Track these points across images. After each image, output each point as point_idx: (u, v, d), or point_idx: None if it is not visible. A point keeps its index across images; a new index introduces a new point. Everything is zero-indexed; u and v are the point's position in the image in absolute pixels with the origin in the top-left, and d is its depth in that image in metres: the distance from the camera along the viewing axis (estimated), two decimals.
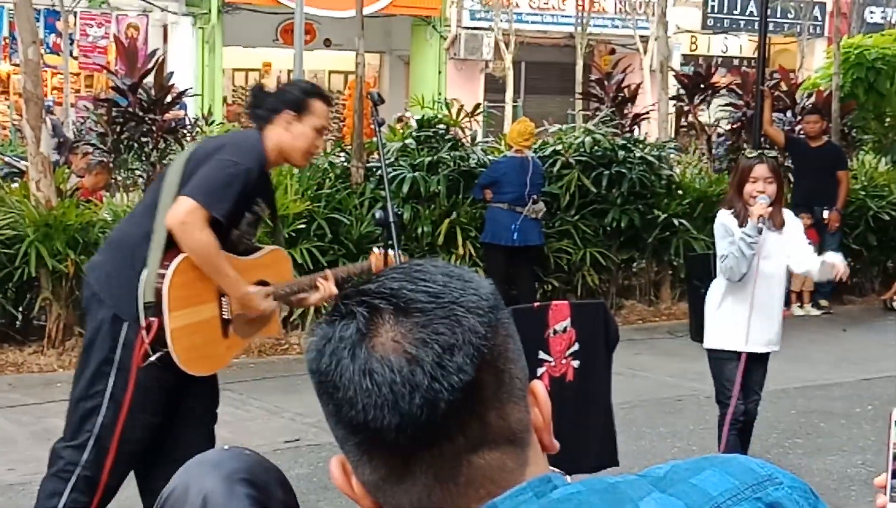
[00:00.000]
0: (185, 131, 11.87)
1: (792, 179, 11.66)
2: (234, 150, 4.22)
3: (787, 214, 5.60)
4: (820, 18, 26.11)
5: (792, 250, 5.50)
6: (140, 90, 10.47)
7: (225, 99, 21.34)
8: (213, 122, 13.78)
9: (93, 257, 4.62)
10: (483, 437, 1.03)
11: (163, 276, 4.05)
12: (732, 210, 5.43)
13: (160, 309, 4.03)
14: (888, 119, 15.33)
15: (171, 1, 20.19)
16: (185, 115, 13.27)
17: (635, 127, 13.16)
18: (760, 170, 5.43)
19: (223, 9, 20.42)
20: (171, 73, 11.51)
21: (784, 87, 13.56)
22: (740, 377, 5.51)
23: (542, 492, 1.03)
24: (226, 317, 4.29)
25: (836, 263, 5.46)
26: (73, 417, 4.16)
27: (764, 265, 5.42)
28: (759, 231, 5.29)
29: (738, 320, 5.49)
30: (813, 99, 13.50)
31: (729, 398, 5.55)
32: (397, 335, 1.01)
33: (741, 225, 5.35)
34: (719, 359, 5.59)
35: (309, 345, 1.06)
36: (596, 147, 10.54)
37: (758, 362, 5.59)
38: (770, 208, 5.33)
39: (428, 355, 1.00)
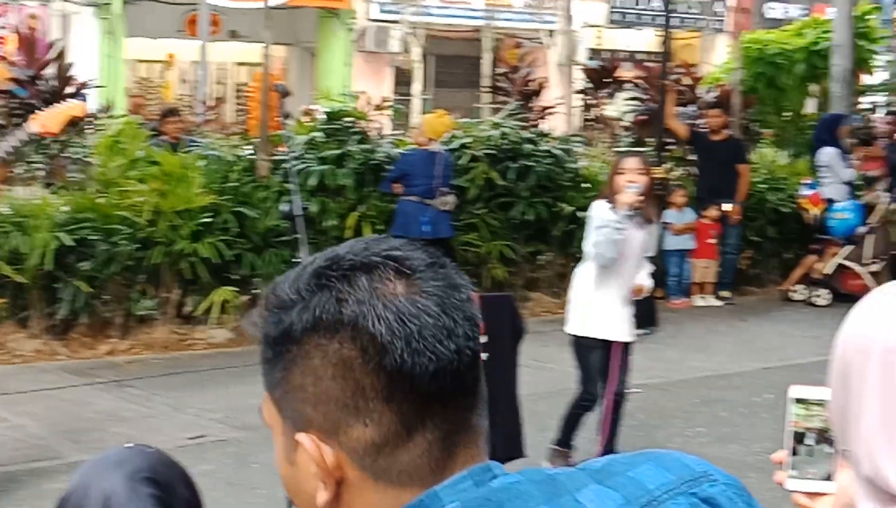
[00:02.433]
0: (87, 123, 11.64)
1: (696, 172, 11.87)
2: None
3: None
4: (722, 14, 26.55)
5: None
6: (40, 81, 10.24)
7: (128, 90, 20.96)
8: (115, 114, 13.52)
9: None
10: (478, 402, 1.07)
11: None
12: (607, 201, 5.72)
13: None
14: (787, 113, 15.68)
15: None
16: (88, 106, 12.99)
17: (542, 120, 13.27)
18: (630, 162, 5.72)
19: None
20: (72, 64, 11.27)
21: (687, 81, 13.78)
22: (617, 364, 5.73)
23: (481, 481, 1.04)
24: None
25: (640, 283, 5.85)
26: None
27: (625, 258, 5.68)
28: (625, 219, 5.56)
29: (606, 308, 5.71)
30: (715, 93, 13.73)
31: (595, 383, 5.79)
32: (427, 286, 1.04)
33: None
34: (586, 346, 5.80)
35: (321, 298, 1.03)
36: (503, 140, 10.59)
37: (621, 347, 5.81)
38: (640, 199, 5.59)
39: (455, 306, 1.04)
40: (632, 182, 5.62)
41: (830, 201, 11.59)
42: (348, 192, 9.72)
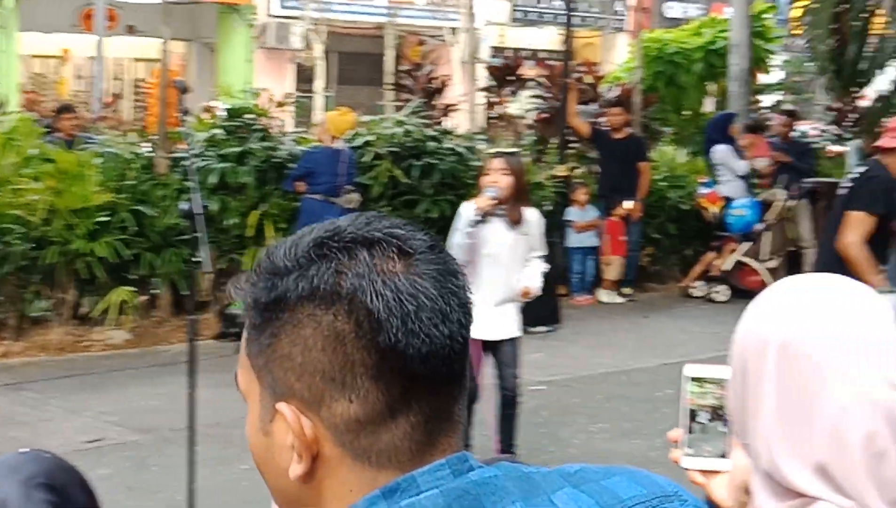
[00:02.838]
0: None
1: (598, 170, 11.99)
2: None
3: (532, 216, 5.92)
4: (622, 13, 26.89)
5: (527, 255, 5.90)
6: None
7: (22, 86, 20.48)
8: (7, 110, 13.18)
9: None
10: (462, 392, 1.06)
11: None
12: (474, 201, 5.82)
13: None
14: (687, 112, 15.94)
15: None
16: None
17: (445, 118, 13.27)
18: (495, 163, 5.81)
19: None
20: None
21: (588, 80, 13.91)
22: (478, 363, 5.77)
23: (459, 471, 1.03)
24: None
25: (527, 285, 5.86)
26: None
27: (487, 260, 5.73)
28: (474, 224, 5.66)
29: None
30: (616, 92, 13.88)
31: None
32: (426, 267, 1.03)
33: (483, 217, 5.73)
34: None
35: (320, 268, 1.02)
36: (407, 138, 10.57)
37: (496, 346, 5.85)
38: (493, 202, 5.68)
39: (452, 291, 1.04)
40: (494, 183, 5.69)
41: (728, 199, 11.79)
42: (250, 190, 9.60)
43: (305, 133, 11.16)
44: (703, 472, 1.72)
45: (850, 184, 5.89)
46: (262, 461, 1.08)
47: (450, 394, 1.05)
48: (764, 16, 16.27)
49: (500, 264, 5.78)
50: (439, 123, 12.38)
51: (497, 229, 5.75)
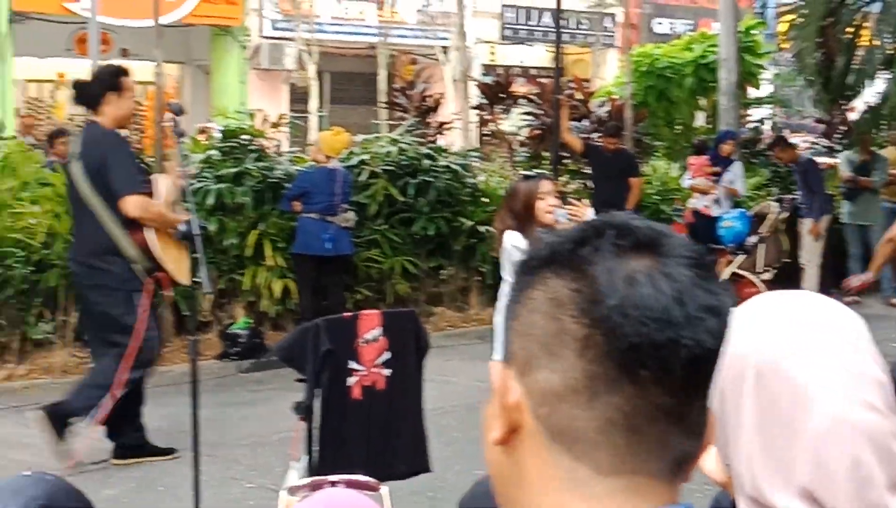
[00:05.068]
0: None
1: (590, 184, 12.07)
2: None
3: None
4: (611, 29, 27.02)
5: None
6: None
7: (17, 111, 20.54)
8: (4, 136, 13.24)
9: None
10: (678, 410, 0.99)
11: None
12: (521, 233, 5.39)
13: None
14: (678, 126, 16.04)
15: None
16: None
17: (440, 136, 13.36)
18: (547, 185, 5.54)
19: (13, 18, 19.65)
20: None
21: (579, 96, 14.01)
22: None
23: None
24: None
25: None
26: None
27: None
28: None
29: None
30: (607, 107, 13.98)
31: None
32: (673, 271, 0.98)
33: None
34: None
35: (567, 237, 1.01)
36: (402, 156, 10.65)
37: None
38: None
39: (695, 305, 0.98)
40: (555, 204, 5.48)
41: (704, 216, 11.93)
42: (247, 210, 9.67)
43: (301, 153, 11.23)
44: None
45: None
46: (485, 424, 1.06)
47: (661, 404, 0.97)
48: (752, 31, 16.41)
49: None
50: (433, 142, 12.48)
51: None
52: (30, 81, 22.56)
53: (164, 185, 6.38)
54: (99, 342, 6.41)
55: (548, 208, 5.46)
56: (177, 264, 6.24)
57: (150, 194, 6.22)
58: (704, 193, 12.23)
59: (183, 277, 6.34)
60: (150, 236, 6.13)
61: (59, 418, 6.10)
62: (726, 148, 12.25)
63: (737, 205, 12.17)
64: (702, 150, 12.76)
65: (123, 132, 6.64)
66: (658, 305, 0.96)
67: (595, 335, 0.96)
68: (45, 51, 21.11)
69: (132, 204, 5.98)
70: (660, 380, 0.97)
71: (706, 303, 0.98)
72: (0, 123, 14.35)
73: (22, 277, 8.37)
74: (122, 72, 6.40)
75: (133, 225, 6.07)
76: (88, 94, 6.26)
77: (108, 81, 6.20)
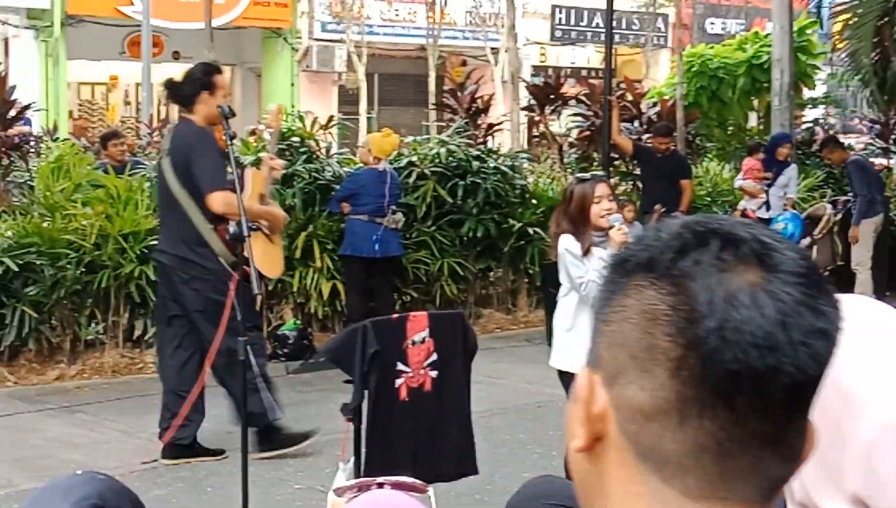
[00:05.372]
0: (30, 147, 11.54)
1: (640, 186, 11.99)
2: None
3: (631, 236, 5.38)
4: (663, 30, 26.87)
5: None
6: None
7: (71, 113, 20.80)
8: (58, 138, 13.42)
9: None
10: (778, 440, 0.94)
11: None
12: (575, 236, 5.27)
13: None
14: (730, 127, 15.89)
15: (12, 13, 19.59)
16: (30, 130, 12.89)
17: (489, 137, 13.33)
18: (602, 189, 5.31)
19: (67, 21, 19.90)
20: (14, 87, 11.17)
21: (630, 97, 13.91)
22: None
23: None
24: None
25: None
26: None
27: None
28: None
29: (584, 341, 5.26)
30: (658, 108, 13.87)
31: None
32: (780, 289, 0.91)
33: (586, 251, 5.23)
34: (566, 382, 5.35)
35: (667, 244, 0.94)
36: (451, 158, 10.63)
37: None
38: (627, 234, 5.22)
39: (803, 330, 0.91)
40: (609, 211, 5.25)
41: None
42: (296, 212, 9.69)
43: (350, 155, 11.24)
44: None
45: None
46: (567, 430, 1.01)
47: (757, 430, 0.92)
48: (807, 31, 16.22)
49: None
50: (483, 143, 12.44)
51: (603, 256, 5.23)
52: (83, 83, 22.83)
53: (250, 178, 6.49)
54: (170, 336, 6.48)
55: (602, 211, 5.27)
56: (263, 256, 6.34)
57: (237, 189, 6.32)
58: (753, 196, 12.11)
59: (270, 270, 6.47)
60: None
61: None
62: (782, 151, 12.12)
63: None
64: (756, 151, 12.65)
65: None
66: (760, 329, 0.89)
67: (690, 357, 0.91)
68: (98, 54, 21.37)
69: (217, 200, 6.08)
70: (757, 407, 0.91)
71: (812, 326, 0.91)
72: (53, 124, 14.52)
73: (74, 278, 8.45)
74: (215, 70, 6.57)
75: (220, 220, 6.18)
76: (182, 93, 6.39)
77: (202, 80, 6.30)
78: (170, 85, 6.56)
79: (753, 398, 0.90)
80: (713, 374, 0.90)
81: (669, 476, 0.93)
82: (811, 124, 16.99)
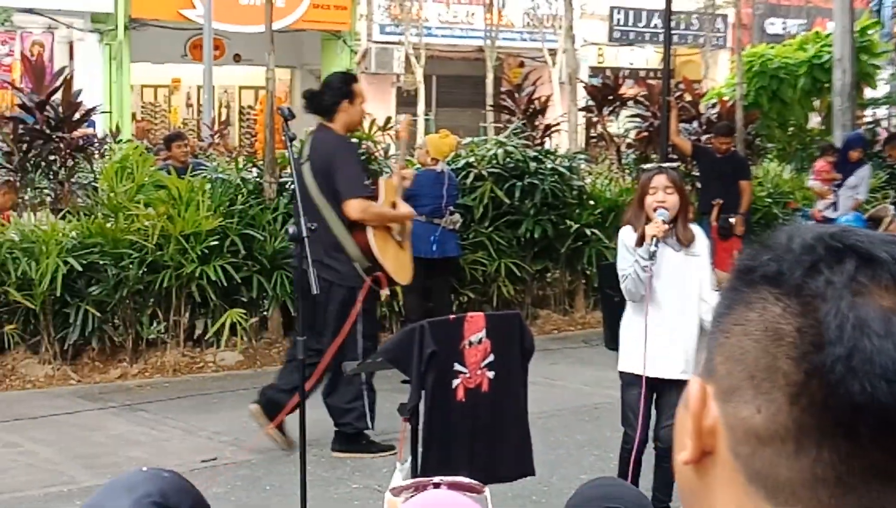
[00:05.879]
0: (94, 149, 11.72)
1: (699, 186, 11.91)
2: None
3: (699, 233, 5.39)
4: (722, 30, 26.64)
5: (700, 283, 5.27)
6: (47, 107, 10.30)
7: (134, 115, 21.07)
8: (121, 139, 13.61)
9: None
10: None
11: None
12: (632, 226, 5.26)
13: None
14: (791, 127, 15.73)
15: (77, 18, 19.90)
16: (94, 132, 13.09)
17: (546, 138, 13.31)
18: (659, 180, 5.25)
19: (130, 25, 20.17)
20: (80, 90, 11.35)
21: (689, 97, 13.83)
22: (643, 403, 5.22)
23: None
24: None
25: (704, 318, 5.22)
26: None
27: (659, 286, 5.21)
28: (652, 255, 5.10)
29: (636, 342, 5.25)
30: (717, 109, 13.76)
31: (632, 424, 5.28)
32: None
33: (639, 242, 5.19)
34: (624, 383, 5.38)
35: (798, 258, 0.88)
36: (508, 159, 10.64)
37: (668, 386, 5.22)
38: (666, 228, 5.14)
39: None
40: (662, 203, 5.16)
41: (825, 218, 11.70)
42: None
43: (408, 156, 11.28)
44: None
45: None
46: (675, 437, 0.96)
47: (878, 464, 0.85)
48: (868, 31, 16.01)
49: (672, 291, 5.21)
50: (540, 144, 12.43)
51: (665, 252, 5.20)
52: (146, 86, 23.12)
53: (383, 187, 6.66)
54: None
55: (654, 203, 5.20)
56: (395, 263, 6.51)
57: (374, 197, 6.53)
58: (821, 196, 12.02)
59: (401, 276, 6.64)
60: (370, 236, 6.42)
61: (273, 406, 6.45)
62: (854, 155, 12.03)
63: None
64: (827, 152, 12.56)
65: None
66: (892, 361, 0.83)
67: (812, 385, 0.85)
68: (161, 56, 21.63)
69: (353, 207, 6.28)
70: (881, 441, 0.84)
71: None
72: (117, 126, 14.73)
73: (136, 278, 8.57)
74: (353, 79, 6.78)
75: (356, 226, 6.36)
76: (321, 104, 6.56)
77: (342, 90, 6.53)
78: (309, 96, 6.73)
79: (878, 430, 0.84)
80: (836, 404, 0.84)
81: (783, 503, 0.88)
82: (872, 125, 16.77)
